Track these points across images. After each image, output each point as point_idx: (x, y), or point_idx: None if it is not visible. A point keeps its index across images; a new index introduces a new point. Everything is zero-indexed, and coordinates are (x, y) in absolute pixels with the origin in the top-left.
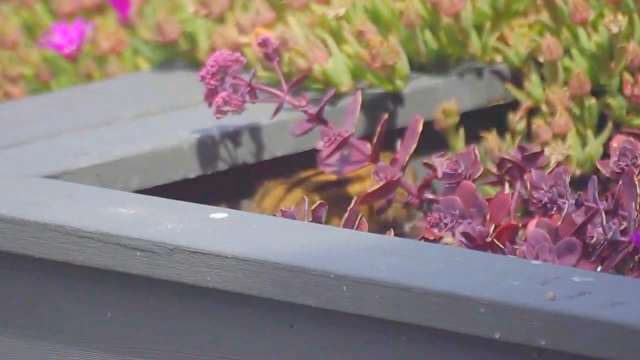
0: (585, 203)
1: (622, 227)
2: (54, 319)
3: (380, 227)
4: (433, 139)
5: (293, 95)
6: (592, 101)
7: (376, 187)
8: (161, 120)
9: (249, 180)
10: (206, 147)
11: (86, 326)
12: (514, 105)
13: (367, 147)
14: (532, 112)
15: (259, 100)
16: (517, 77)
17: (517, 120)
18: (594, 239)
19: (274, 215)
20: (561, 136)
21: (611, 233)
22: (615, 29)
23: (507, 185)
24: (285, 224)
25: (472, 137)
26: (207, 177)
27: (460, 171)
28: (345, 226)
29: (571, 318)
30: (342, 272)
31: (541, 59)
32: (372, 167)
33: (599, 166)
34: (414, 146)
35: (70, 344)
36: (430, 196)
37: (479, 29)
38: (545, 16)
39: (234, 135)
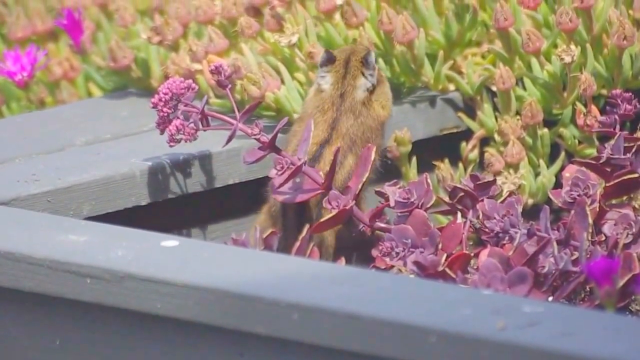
0: (537, 233)
1: (574, 257)
2: (3, 346)
3: None
4: (386, 167)
5: (246, 123)
6: (544, 131)
7: (329, 216)
8: (113, 147)
9: (201, 208)
10: (158, 174)
11: (35, 353)
12: (467, 134)
13: (320, 175)
14: (485, 141)
15: (212, 128)
16: (470, 106)
17: (469, 149)
18: (546, 268)
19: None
20: (513, 165)
21: (563, 263)
22: (568, 59)
23: (459, 214)
24: (236, 252)
25: (425, 166)
26: (158, 205)
27: (412, 200)
28: (297, 254)
29: (521, 348)
30: (292, 300)
31: (494, 88)
32: None
33: (551, 196)
34: (366, 174)
35: None
36: (382, 225)
37: (432, 57)
38: (498, 45)
39: (186, 163)
